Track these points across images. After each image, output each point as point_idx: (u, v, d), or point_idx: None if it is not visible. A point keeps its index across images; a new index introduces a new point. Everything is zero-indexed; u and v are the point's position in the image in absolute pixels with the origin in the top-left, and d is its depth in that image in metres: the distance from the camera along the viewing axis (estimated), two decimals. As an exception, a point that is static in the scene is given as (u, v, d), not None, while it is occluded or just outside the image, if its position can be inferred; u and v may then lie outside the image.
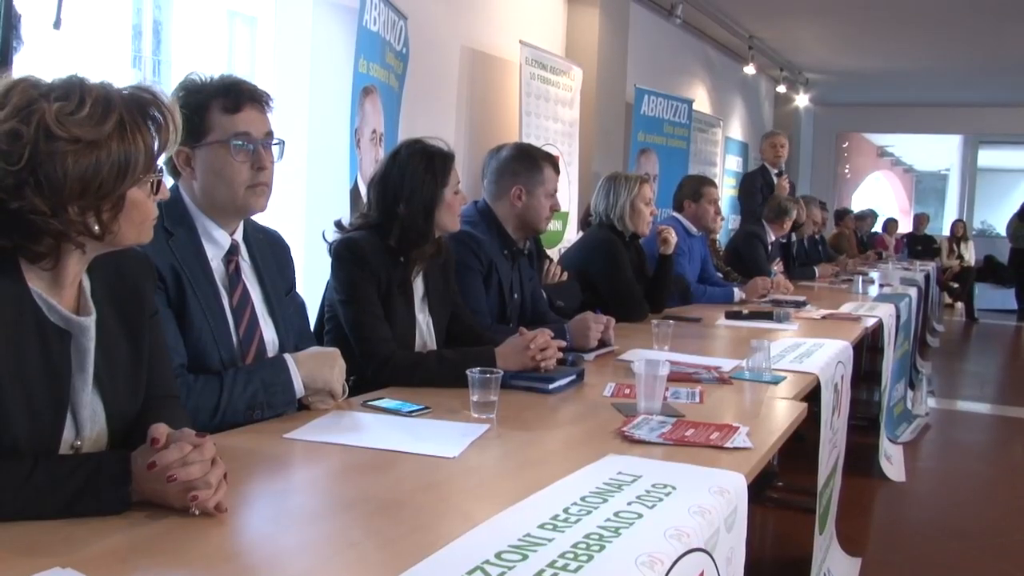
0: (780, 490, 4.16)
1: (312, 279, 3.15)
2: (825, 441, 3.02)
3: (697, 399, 2.36)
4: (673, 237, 4.31)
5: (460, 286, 2.94)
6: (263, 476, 1.66)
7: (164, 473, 1.36)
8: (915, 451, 5.39)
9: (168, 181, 2.12)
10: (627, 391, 2.38)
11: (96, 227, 1.45)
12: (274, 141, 2.08)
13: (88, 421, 1.52)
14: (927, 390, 6.75)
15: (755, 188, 7.37)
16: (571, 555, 1.26)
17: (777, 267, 5.94)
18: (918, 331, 7.26)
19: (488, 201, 3.35)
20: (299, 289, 2.42)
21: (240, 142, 2.01)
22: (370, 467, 1.72)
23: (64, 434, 1.48)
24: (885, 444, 4.91)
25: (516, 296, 3.30)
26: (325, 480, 1.71)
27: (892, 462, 4.88)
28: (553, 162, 3.42)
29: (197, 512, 1.37)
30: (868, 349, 6.03)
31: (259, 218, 2.23)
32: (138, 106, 1.46)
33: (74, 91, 1.42)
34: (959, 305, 13.37)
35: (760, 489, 3.78)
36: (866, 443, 4.84)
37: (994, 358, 10.02)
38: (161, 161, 1.54)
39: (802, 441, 2.98)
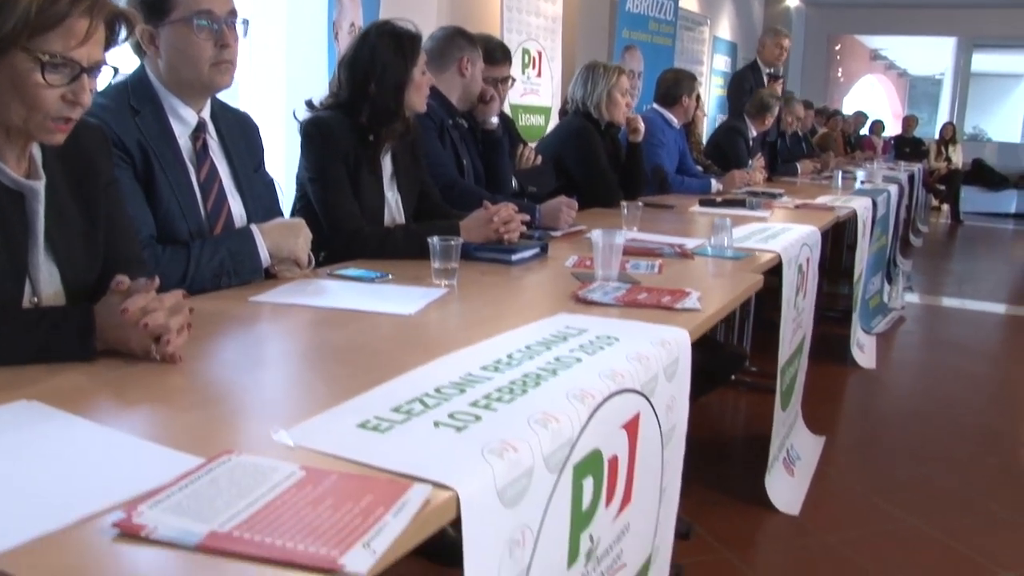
0: (752, 374, 4.27)
1: (293, 167, 3.17)
2: (788, 320, 3.10)
3: (656, 271, 2.42)
4: (642, 126, 4.33)
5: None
6: (227, 333, 1.73)
7: (135, 318, 1.41)
8: (888, 342, 5.51)
9: (136, 62, 2.15)
10: (588, 263, 2.43)
11: None
12: (238, 19, 2.10)
13: (43, 283, 1.55)
14: (904, 285, 6.84)
15: (743, 88, 7.25)
16: (507, 389, 1.33)
17: (758, 162, 5.96)
18: (899, 228, 7.32)
19: None
20: (279, 176, 2.45)
21: (204, 21, 2.03)
22: (329, 323, 1.79)
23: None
24: (858, 334, 5.01)
25: (465, 161, 3.37)
26: (286, 334, 1.78)
27: (864, 351, 5.00)
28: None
29: (158, 356, 1.44)
30: (848, 247, 6.10)
31: (241, 107, 2.24)
32: None
33: None
34: (945, 207, 13.43)
35: (733, 373, 3.87)
36: (840, 334, 4.95)
37: (975, 258, 10.11)
38: (53, 47, 1.41)
39: (775, 330, 3.07)
